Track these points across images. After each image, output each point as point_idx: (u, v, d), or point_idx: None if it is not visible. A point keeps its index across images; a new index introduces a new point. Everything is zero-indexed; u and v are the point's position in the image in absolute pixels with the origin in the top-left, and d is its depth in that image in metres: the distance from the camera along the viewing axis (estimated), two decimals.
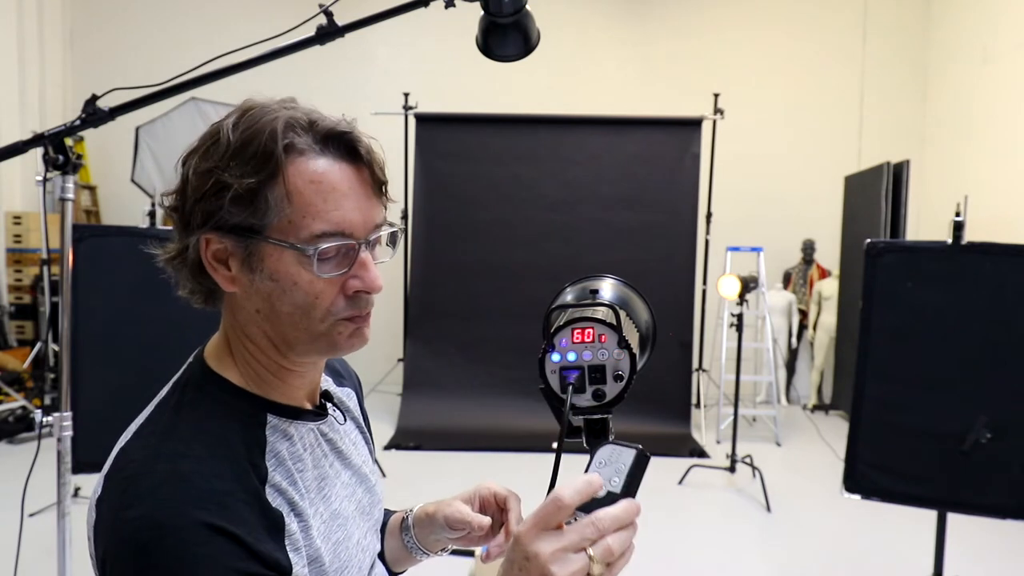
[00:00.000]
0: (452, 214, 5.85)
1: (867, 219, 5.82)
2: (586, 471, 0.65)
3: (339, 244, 0.73)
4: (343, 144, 0.74)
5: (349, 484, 0.86)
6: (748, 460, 4.52)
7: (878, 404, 2.37)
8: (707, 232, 6.04)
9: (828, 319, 6.48)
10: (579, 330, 0.72)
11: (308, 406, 0.84)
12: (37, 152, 1.57)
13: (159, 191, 1.03)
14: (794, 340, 6.63)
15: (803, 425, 6.03)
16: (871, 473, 2.37)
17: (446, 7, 1.41)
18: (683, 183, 5.76)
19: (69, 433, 1.83)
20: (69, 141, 1.58)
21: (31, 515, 3.41)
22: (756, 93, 6.78)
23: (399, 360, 6.08)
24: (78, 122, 1.54)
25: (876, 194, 5.66)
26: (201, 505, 0.65)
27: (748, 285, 4.76)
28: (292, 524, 0.73)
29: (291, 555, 0.71)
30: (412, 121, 5.96)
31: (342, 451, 0.87)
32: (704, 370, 6.21)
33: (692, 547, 3.68)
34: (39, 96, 6.65)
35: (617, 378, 0.72)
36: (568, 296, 0.83)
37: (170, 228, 0.78)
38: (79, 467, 1.99)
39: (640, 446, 0.65)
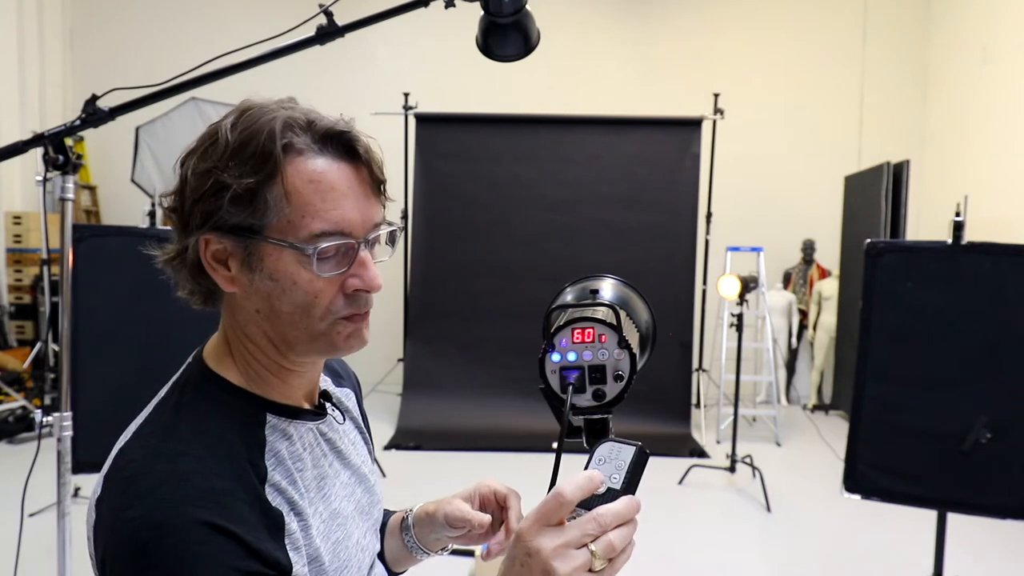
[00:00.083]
0: (452, 214, 5.85)
1: (867, 219, 5.82)
2: (586, 468, 0.65)
3: (338, 243, 0.73)
4: (341, 143, 0.74)
5: (348, 484, 0.86)
6: (748, 460, 4.52)
7: (878, 404, 2.37)
8: (707, 232, 6.04)
9: (828, 319, 6.48)
10: (579, 330, 0.72)
11: (307, 406, 0.84)
12: (37, 152, 1.57)
13: (159, 191, 1.03)
14: (794, 340, 6.63)
15: (803, 425, 6.03)
16: (871, 473, 2.37)
17: (446, 7, 1.41)
18: (683, 183, 5.76)
19: (69, 433, 1.83)
20: (69, 141, 1.58)
21: (31, 515, 3.42)
22: (756, 93, 6.78)
23: (399, 360, 6.08)
24: (78, 122, 1.54)
25: (876, 194, 5.66)
26: (201, 504, 0.65)
27: (748, 285, 4.76)
28: (292, 523, 0.73)
29: (291, 554, 0.71)
30: (412, 121, 5.96)
31: (341, 451, 0.87)
32: (704, 370, 6.21)
33: (692, 547, 3.68)
34: (39, 96, 6.65)
35: (617, 378, 0.72)
36: (568, 296, 0.83)
37: (170, 228, 0.77)
38: (79, 467, 1.99)
39: (640, 443, 0.65)
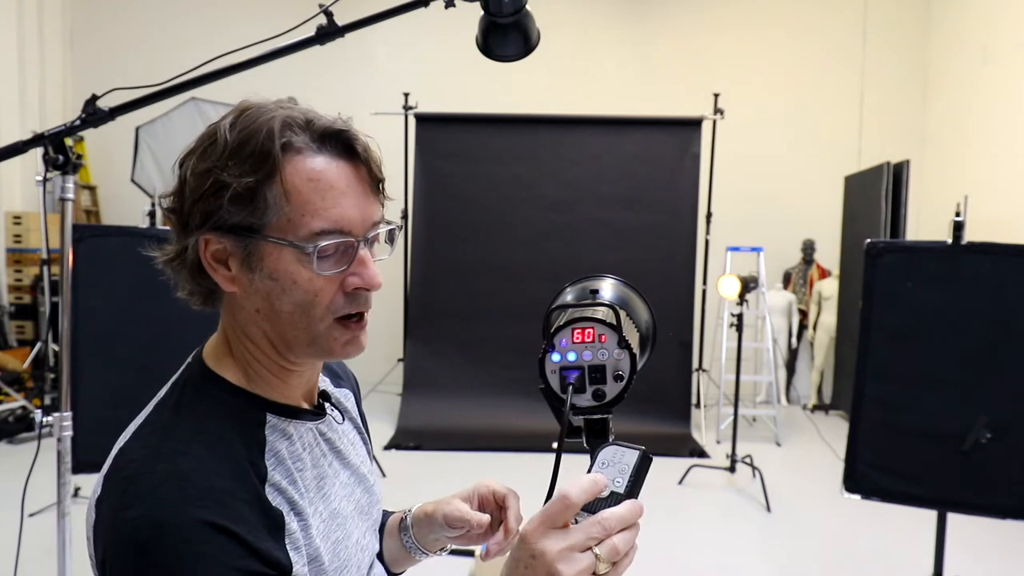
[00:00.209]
0: (452, 214, 5.85)
1: (867, 219, 5.81)
2: (589, 471, 0.65)
3: (338, 242, 0.73)
4: (340, 142, 0.74)
5: (348, 484, 0.86)
6: (748, 460, 4.52)
7: (878, 404, 2.37)
8: (707, 232, 6.04)
9: (828, 319, 6.48)
10: (579, 330, 0.72)
11: (306, 406, 0.84)
12: (37, 152, 1.57)
13: (159, 191, 1.03)
14: (794, 340, 6.63)
15: (803, 425, 6.03)
16: (871, 473, 2.37)
17: (446, 7, 1.41)
18: (683, 183, 5.75)
19: (69, 433, 1.83)
20: (69, 141, 1.58)
21: (31, 515, 3.42)
22: (756, 93, 6.78)
23: (399, 360, 6.08)
24: (78, 122, 1.54)
25: (876, 194, 5.66)
26: (201, 504, 0.65)
27: (748, 285, 4.76)
28: (292, 523, 0.73)
29: (291, 554, 0.71)
30: (412, 121, 5.96)
31: (340, 451, 0.87)
32: (704, 370, 6.21)
33: (692, 547, 3.68)
34: (39, 96, 6.65)
35: (617, 378, 0.72)
36: (568, 296, 0.83)
37: (170, 228, 0.77)
38: (79, 467, 1.99)
39: (643, 447, 0.65)
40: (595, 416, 0.73)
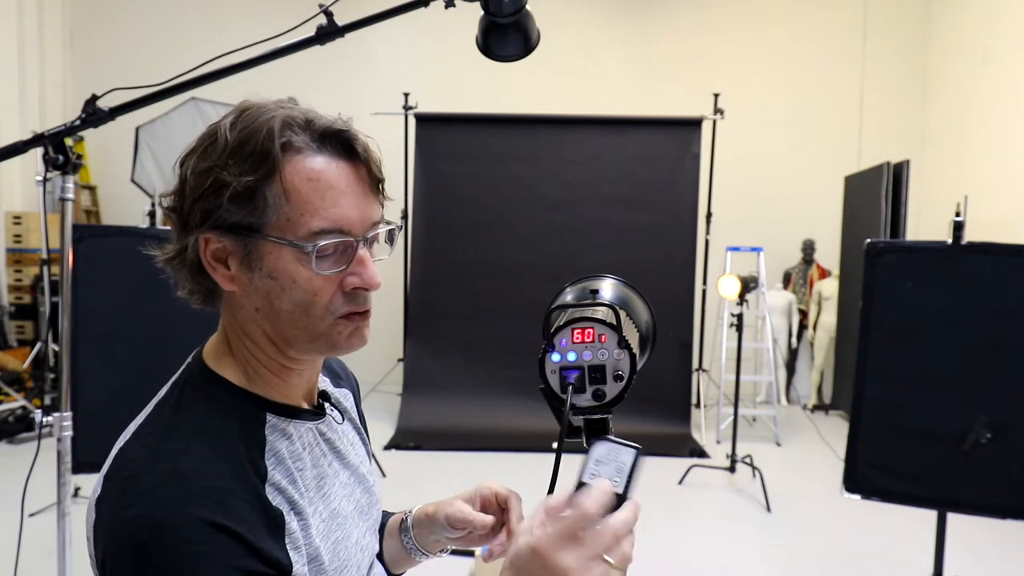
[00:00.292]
0: (452, 214, 5.85)
1: (867, 219, 5.81)
2: (582, 468, 0.65)
3: (337, 241, 0.73)
4: (340, 142, 0.74)
5: (348, 484, 0.86)
6: (748, 460, 4.52)
7: (878, 404, 2.36)
8: (707, 232, 6.04)
9: (828, 319, 6.47)
10: (579, 330, 0.72)
11: (306, 406, 0.84)
12: (37, 152, 1.57)
13: (159, 191, 1.03)
14: (794, 340, 6.63)
15: (803, 425, 6.03)
16: (871, 473, 2.37)
17: (446, 7, 1.41)
18: (683, 183, 5.75)
19: (69, 433, 1.83)
20: (69, 141, 1.58)
21: (31, 515, 3.42)
22: (756, 93, 6.78)
23: (399, 360, 6.08)
24: (78, 122, 1.54)
25: (876, 194, 5.66)
26: (201, 503, 0.65)
27: (748, 285, 4.76)
28: (292, 523, 0.73)
29: (291, 554, 0.71)
30: (412, 121, 5.96)
31: (340, 451, 0.87)
32: (704, 370, 6.21)
33: (692, 547, 3.68)
34: (39, 96, 6.65)
35: (617, 378, 0.72)
36: (568, 296, 0.83)
37: (170, 228, 0.78)
38: (79, 467, 1.99)
39: (638, 446, 0.65)
40: (595, 416, 0.73)
